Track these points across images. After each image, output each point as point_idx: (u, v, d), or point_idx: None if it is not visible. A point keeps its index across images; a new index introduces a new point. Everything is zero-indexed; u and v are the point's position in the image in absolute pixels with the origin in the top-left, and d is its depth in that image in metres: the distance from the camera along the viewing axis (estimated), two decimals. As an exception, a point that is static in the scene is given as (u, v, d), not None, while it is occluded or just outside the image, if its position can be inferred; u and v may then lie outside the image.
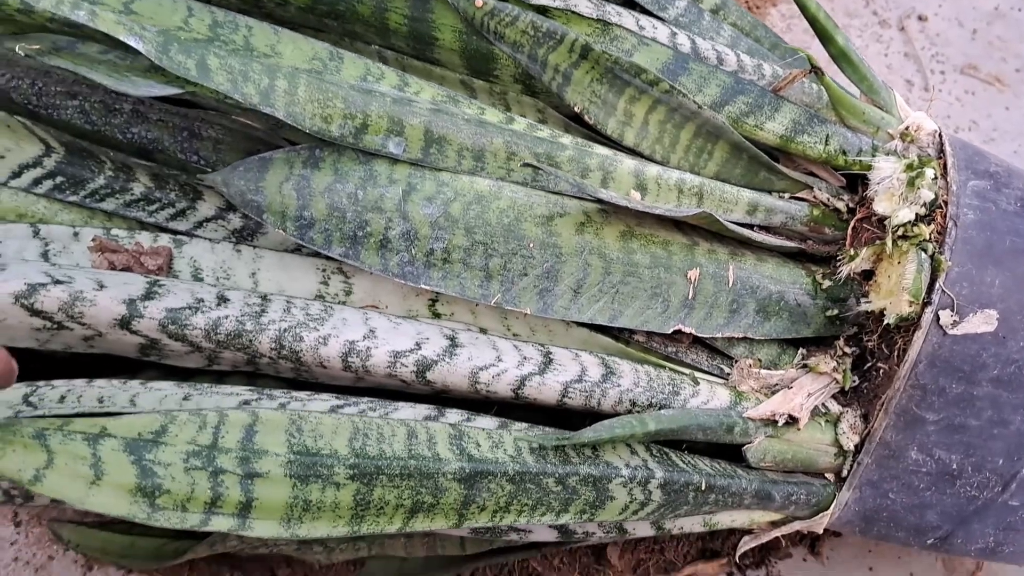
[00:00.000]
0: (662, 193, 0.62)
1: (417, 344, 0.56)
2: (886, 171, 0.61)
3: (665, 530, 0.61)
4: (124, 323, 0.55)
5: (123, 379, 0.58)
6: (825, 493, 0.61)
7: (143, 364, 0.62)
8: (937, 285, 0.57)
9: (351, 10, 0.60)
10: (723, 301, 0.61)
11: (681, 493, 0.56)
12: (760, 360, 0.62)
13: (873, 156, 0.63)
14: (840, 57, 0.66)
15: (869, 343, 0.61)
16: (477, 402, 0.59)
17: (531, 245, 0.58)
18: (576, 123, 0.67)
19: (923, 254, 0.57)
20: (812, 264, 0.64)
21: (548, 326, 0.62)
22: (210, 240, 0.64)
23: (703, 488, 0.56)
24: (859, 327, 0.62)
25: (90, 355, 0.61)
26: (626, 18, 0.64)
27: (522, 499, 0.51)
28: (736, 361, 0.62)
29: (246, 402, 0.55)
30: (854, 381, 0.61)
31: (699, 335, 0.61)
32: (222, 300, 0.57)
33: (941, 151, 0.62)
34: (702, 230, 0.62)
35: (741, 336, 0.61)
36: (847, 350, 0.62)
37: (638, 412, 0.57)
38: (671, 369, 0.61)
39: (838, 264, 0.62)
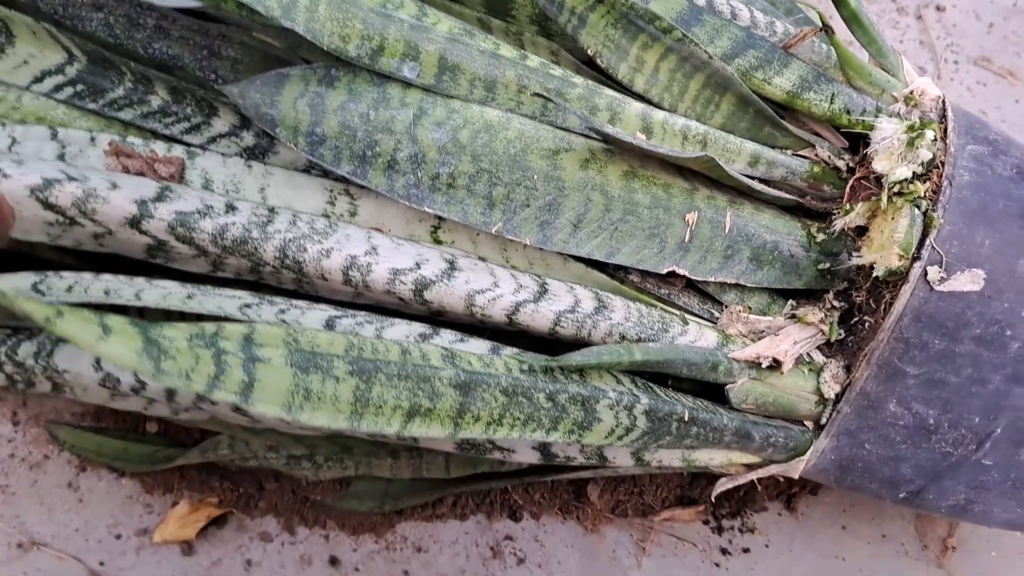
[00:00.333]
0: (667, 138, 0.63)
1: (417, 264, 0.58)
2: (888, 131, 0.62)
3: (645, 462, 0.62)
4: (134, 222, 0.57)
5: (129, 276, 0.60)
6: (803, 439, 0.63)
7: (149, 269, 0.63)
8: (927, 241, 0.58)
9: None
10: (718, 246, 0.62)
11: (665, 422, 0.57)
12: (750, 308, 0.64)
13: (876, 117, 0.64)
14: (851, 19, 0.67)
15: (858, 298, 0.62)
16: (472, 327, 0.61)
17: (535, 177, 0.60)
18: (589, 68, 0.68)
19: (916, 210, 0.58)
20: (808, 219, 0.65)
21: (546, 260, 0.63)
22: (222, 155, 0.66)
23: (686, 419, 0.58)
24: (849, 283, 0.63)
25: (97, 256, 0.63)
26: (644, -35, 0.65)
27: (514, 412, 0.52)
28: (727, 307, 0.64)
29: (247, 305, 0.57)
30: (840, 334, 0.63)
31: (692, 278, 0.62)
32: (230, 208, 0.59)
33: (943, 116, 0.63)
34: (703, 176, 0.64)
35: (733, 282, 0.63)
36: (836, 304, 0.63)
37: (627, 345, 0.59)
38: (662, 309, 0.62)
39: (833, 218, 0.63)
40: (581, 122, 0.60)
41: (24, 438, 0.75)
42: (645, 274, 0.64)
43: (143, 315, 0.63)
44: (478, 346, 0.58)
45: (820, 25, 0.63)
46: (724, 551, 0.77)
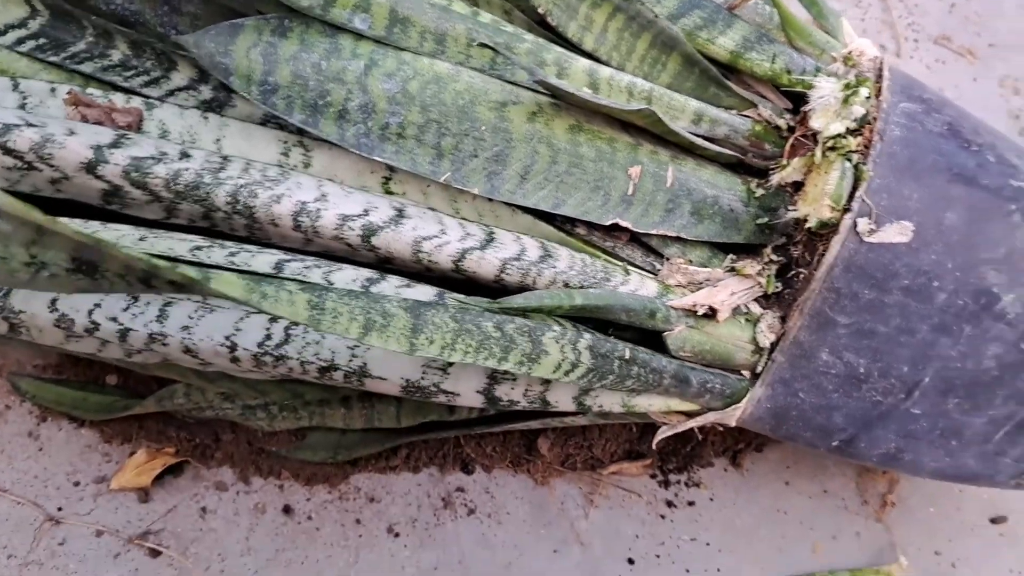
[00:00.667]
0: (613, 94, 0.65)
1: (366, 211, 0.60)
2: (825, 90, 0.64)
3: (587, 407, 0.64)
4: (90, 167, 0.59)
5: (84, 220, 0.61)
6: (739, 387, 0.65)
7: (106, 216, 0.64)
8: (858, 194, 0.60)
9: None
10: (660, 200, 0.64)
11: (607, 359, 0.59)
12: (691, 261, 0.66)
13: (816, 76, 0.66)
14: (795, -17, 0.69)
15: (795, 252, 0.64)
16: (420, 276, 0.63)
17: (483, 128, 0.61)
18: (542, 28, 0.70)
19: (848, 164, 0.60)
20: (749, 175, 0.67)
21: (495, 212, 0.65)
22: (180, 107, 0.67)
23: (627, 357, 0.60)
24: (787, 237, 0.65)
25: (55, 202, 0.65)
26: (593, -74, 0.67)
27: (466, 339, 0.54)
28: (669, 260, 0.66)
29: (198, 248, 0.58)
30: (778, 287, 0.65)
31: (635, 230, 0.64)
32: (184, 155, 0.61)
33: (880, 76, 0.66)
34: (647, 133, 0.65)
35: (675, 235, 0.65)
36: (774, 257, 0.65)
37: (569, 292, 0.61)
38: (606, 259, 0.64)
39: (771, 174, 0.65)
40: (529, 75, 0.62)
41: (-15, 389, 0.76)
42: (591, 227, 0.66)
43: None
44: (424, 291, 0.60)
45: (763, -13, 0.65)
46: (670, 504, 0.80)
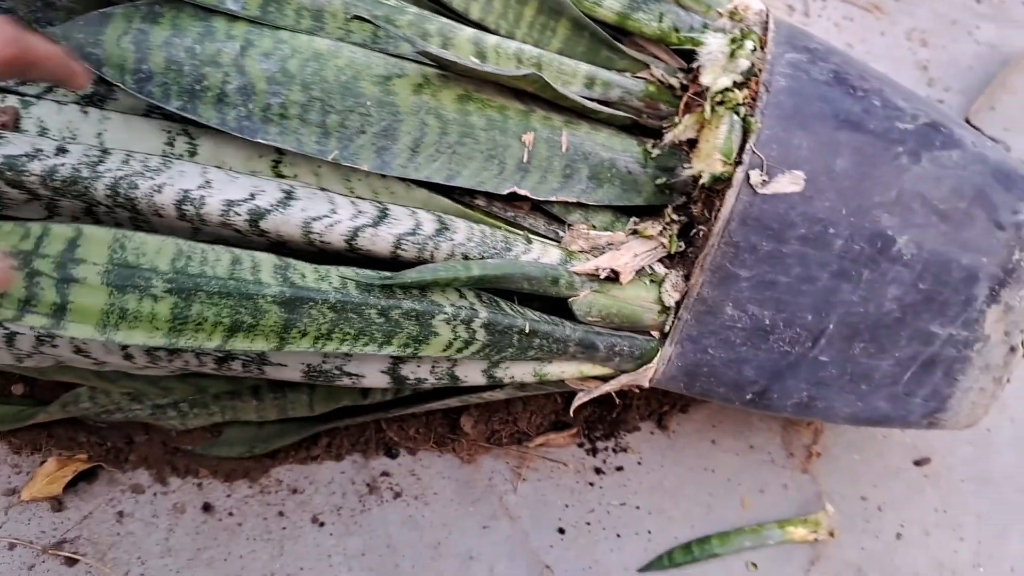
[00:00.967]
0: (501, 61, 0.64)
1: (252, 195, 0.58)
2: (713, 45, 0.64)
3: (497, 379, 0.64)
4: (-39, 169, 0.56)
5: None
6: (649, 347, 0.65)
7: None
8: (748, 146, 0.60)
9: None
10: (557, 166, 0.64)
11: (505, 335, 0.59)
12: (594, 226, 0.66)
13: (703, 33, 0.66)
14: (680, -59, 0.69)
15: (695, 210, 0.64)
16: (315, 258, 0.61)
17: (368, 103, 0.60)
18: (430, 0, 0.69)
19: (736, 117, 0.60)
20: (645, 136, 0.67)
21: (390, 188, 0.64)
22: (58, 103, 0.65)
23: (527, 331, 0.59)
24: (687, 196, 0.65)
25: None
26: None
27: (344, 327, 0.53)
28: (571, 226, 0.65)
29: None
30: (681, 246, 0.65)
31: (534, 198, 0.64)
32: (61, 150, 0.58)
33: (766, 28, 0.66)
34: (540, 99, 0.65)
35: (575, 201, 0.65)
36: (675, 217, 0.65)
37: (468, 264, 0.60)
38: (506, 229, 0.63)
39: (665, 133, 0.65)
40: (411, 46, 0.61)
41: None
42: (491, 198, 0.65)
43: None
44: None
45: (645, -54, 0.65)
46: (598, 471, 0.80)
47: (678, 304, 0.64)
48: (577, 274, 0.62)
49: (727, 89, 0.62)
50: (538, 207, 0.66)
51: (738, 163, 0.60)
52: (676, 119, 0.64)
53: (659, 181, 0.65)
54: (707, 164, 0.61)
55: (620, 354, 0.64)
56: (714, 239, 0.61)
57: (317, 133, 0.60)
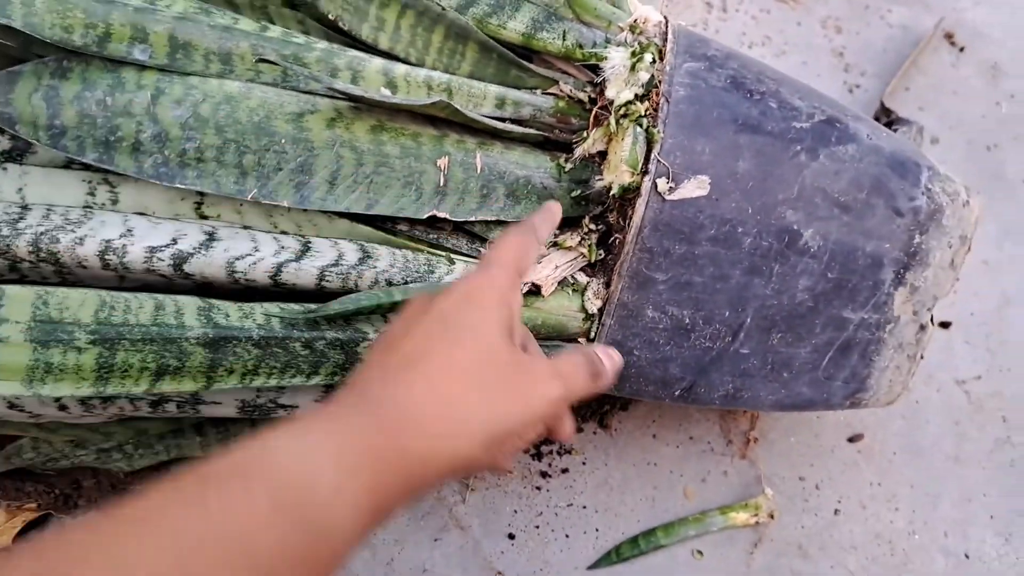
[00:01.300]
0: (412, 90, 0.66)
1: (174, 240, 0.60)
2: (615, 59, 0.67)
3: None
4: None
5: None
6: (576, 355, 0.67)
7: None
8: (653, 156, 0.63)
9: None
10: (473, 187, 0.66)
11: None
12: (515, 241, 0.68)
13: (606, 48, 0.68)
14: (577, -41, 0.71)
15: (611, 219, 0.67)
16: (241, 295, 0.63)
17: (283, 141, 0.62)
18: (338, 34, 0.70)
19: (639, 128, 0.63)
20: (559, 151, 0.69)
21: (312, 221, 0.65)
22: (-24, 161, 0.65)
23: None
24: (603, 206, 0.68)
25: None
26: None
27: (270, 362, 0.55)
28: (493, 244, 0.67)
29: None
30: (600, 255, 0.67)
31: (454, 219, 0.65)
32: (-20, 211, 0.59)
33: (665, 39, 0.68)
34: (453, 124, 0.67)
35: (495, 219, 0.67)
36: (593, 227, 0.68)
37: (393, 290, 0.62)
38: (429, 252, 0.65)
39: (575, 147, 0.67)
40: (320, 85, 0.62)
41: None
42: (413, 222, 0.67)
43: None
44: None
45: (543, -33, 0.67)
46: (544, 474, 0.82)
47: (601, 311, 0.67)
48: (500, 290, 0.64)
49: (629, 102, 0.64)
50: (460, 227, 0.68)
51: (645, 172, 0.63)
52: (586, 133, 0.67)
53: (574, 194, 0.68)
54: (616, 175, 0.63)
55: (548, 364, 0.67)
56: (629, 246, 0.64)
57: (235, 174, 0.61)
